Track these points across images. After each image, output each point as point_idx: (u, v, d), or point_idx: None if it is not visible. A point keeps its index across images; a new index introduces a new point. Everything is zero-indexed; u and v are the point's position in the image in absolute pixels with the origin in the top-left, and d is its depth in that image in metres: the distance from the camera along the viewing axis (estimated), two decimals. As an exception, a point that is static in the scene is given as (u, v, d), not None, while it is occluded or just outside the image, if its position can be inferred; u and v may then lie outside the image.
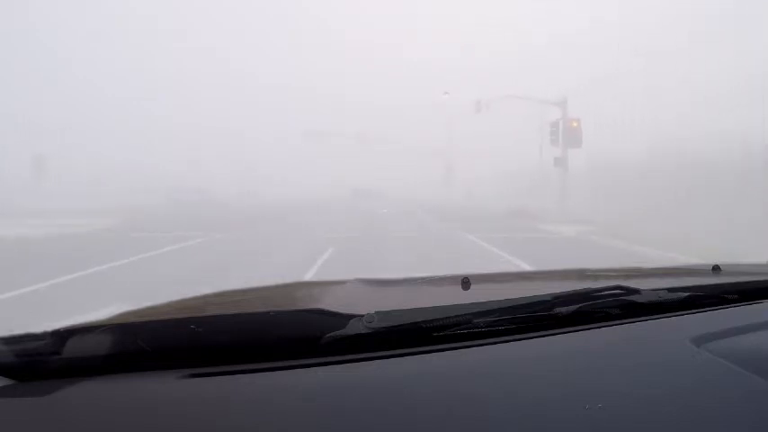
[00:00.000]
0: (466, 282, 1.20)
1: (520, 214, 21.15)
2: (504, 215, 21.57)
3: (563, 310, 1.01)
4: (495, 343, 0.94)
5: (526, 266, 7.84)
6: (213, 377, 0.81)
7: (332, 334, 0.87)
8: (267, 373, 0.82)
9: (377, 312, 0.91)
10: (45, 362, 0.81)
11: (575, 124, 23.14)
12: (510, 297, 1.01)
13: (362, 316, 0.90)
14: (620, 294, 1.09)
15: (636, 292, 1.10)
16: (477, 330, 0.95)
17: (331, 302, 1.05)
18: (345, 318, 0.90)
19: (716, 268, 1.45)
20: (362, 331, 0.88)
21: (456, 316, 0.94)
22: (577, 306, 1.03)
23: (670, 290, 1.15)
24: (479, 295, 1.06)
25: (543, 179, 29.02)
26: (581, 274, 1.72)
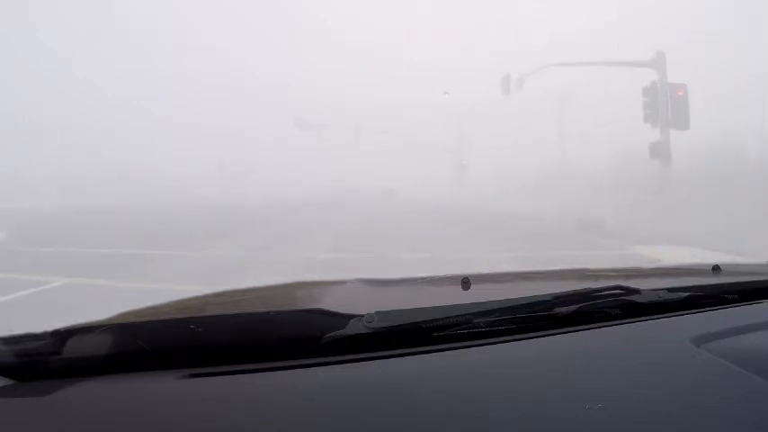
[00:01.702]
0: (466, 282, 1.20)
1: (590, 227, 12.69)
2: (564, 226, 13.52)
3: (563, 310, 1.01)
4: (495, 343, 0.94)
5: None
6: (213, 377, 0.81)
7: (332, 334, 0.87)
8: (267, 373, 0.82)
9: (377, 312, 0.91)
10: (45, 362, 0.81)
11: (680, 93, 14.82)
12: (510, 297, 1.01)
13: (362, 316, 0.90)
14: (620, 294, 1.09)
15: (636, 292, 1.10)
16: (477, 330, 0.95)
17: (331, 302, 1.06)
18: (345, 318, 0.90)
19: (716, 268, 1.45)
20: (362, 331, 0.88)
21: (456, 316, 0.94)
22: (577, 306, 1.03)
23: (670, 290, 1.15)
24: (479, 295, 1.06)
25: (564, 175, 23.24)
26: (581, 274, 1.72)
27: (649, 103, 15.28)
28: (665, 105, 14.90)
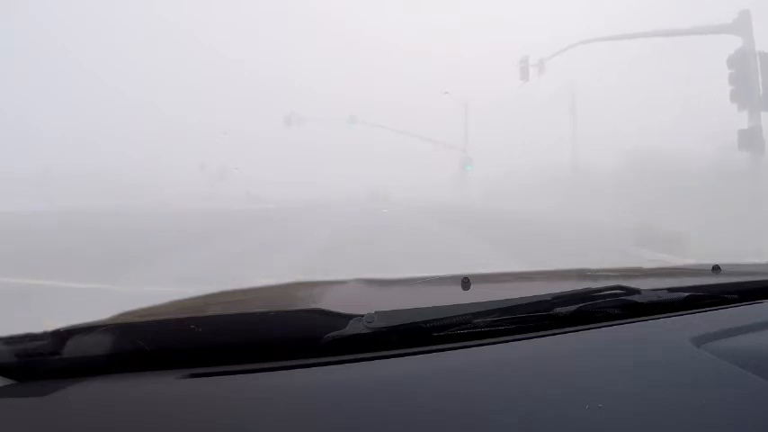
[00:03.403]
0: (466, 282, 1.20)
1: (649, 238, 9.09)
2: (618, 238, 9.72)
3: (563, 310, 1.02)
4: (495, 343, 0.94)
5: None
6: (213, 377, 0.81)
7: (332, 334, 0.87)
8: (267, 373, 0.83)
9: (377, 312, 0.91)
10: (45, 362, 0.81)
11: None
12: (510, 297, 1.02)
13: (362, 316, 0.90)
14: (620, 294, 1.09)
15: (636, 292, 1.10)
16: (477, 330, 0.95)
17: (331, 302, 1.06)
18: (345, 318, 0.90)
19: (716, 268, 1.45)
20: (362, 331, 0.88)
21: (456, 316, 0.94)
22: (577, 306, 1.03)
23: (670, 290, 1.15)
24: (479, 295, 1.06)
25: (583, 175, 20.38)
26: (581, 274, 1.72)
27: (737, 76, 11.34)
28: (756, 78, 11.19)
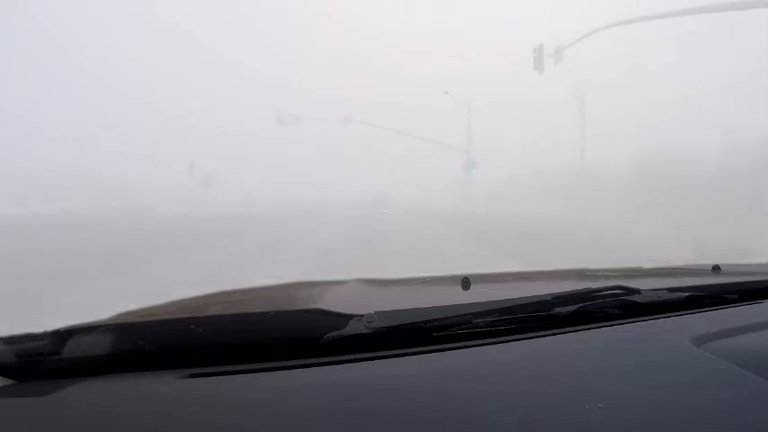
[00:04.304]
0: (466, 282, 1.20)
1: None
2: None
3: (563, 310, 1.02)
4: (495, 343, 0.94)
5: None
6: (213, 377, 0.81)
7: (332, 334, 0.87)
8: (267, 373, 0.83)
9: (377, 312, 0.91)
10: (45, 362, 0.81)
11: None
12: (510, 297, 1.02)
13: (362, 316, 0.90)
14: (620, 294, 1.09)
15: (636, 292, 1.10)
16: (477, 330, 0.95)
17: (331, 302, 1.06)
18: (345, 318, 0.90)
19: (716, 268, 1.45)
20: (362, 331, 0.88)
21: (456, 316, 0.94)
22: (577, 306, 1.03)
23: (670, 290, 1.15)
24: (479, 295, 1.06)
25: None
26: (581, 274, 1.72)
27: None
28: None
